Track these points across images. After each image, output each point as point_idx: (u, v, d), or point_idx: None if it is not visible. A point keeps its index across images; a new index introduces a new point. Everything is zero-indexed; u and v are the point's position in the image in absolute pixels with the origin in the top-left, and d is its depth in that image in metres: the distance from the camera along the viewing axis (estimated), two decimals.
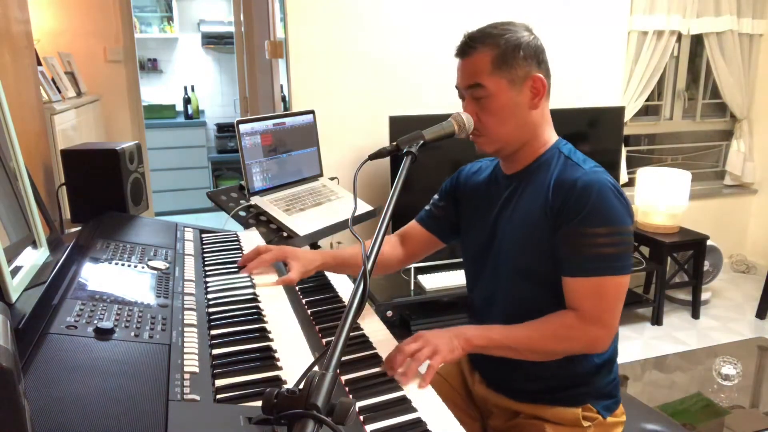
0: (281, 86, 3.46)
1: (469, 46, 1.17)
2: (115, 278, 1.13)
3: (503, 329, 1.16)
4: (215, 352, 0.97)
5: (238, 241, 1.58)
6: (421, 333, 1.10)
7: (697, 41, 3.69)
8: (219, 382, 0.88)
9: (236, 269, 1.35)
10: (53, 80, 3.08)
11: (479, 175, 1.36)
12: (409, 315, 2.88)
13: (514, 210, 1.22)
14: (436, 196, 1.45)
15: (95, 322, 0.91)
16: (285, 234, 1.81)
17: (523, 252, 1.19)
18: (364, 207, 2.16)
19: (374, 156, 1.10)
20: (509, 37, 1.16)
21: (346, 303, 1.07)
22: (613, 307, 1.13)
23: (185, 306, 1.09)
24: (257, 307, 1.15)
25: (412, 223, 1.47)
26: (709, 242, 3.32)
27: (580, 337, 1.13)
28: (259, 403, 0.67)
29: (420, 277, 2.87)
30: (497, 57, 1.15)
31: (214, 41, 5.70)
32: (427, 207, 1.46)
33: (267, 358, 0.97)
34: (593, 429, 1.22)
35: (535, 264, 1.18)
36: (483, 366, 1.34)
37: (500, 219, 1.24)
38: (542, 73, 1.18)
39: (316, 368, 0.68)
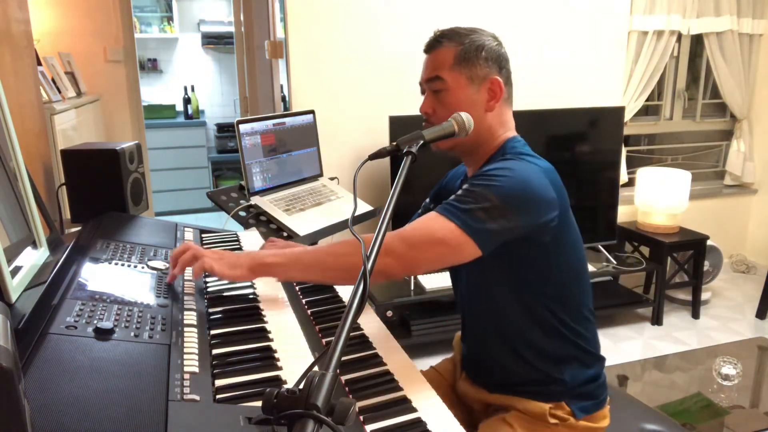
0: (281, 86, 3.46)
1: (436, 41, 1.22)
2: (115, 278, 1.13)
3: (301, 249, 1.22)
4: (215, 352, 0.97)
5: (238, 241, 1.58)
6: (188, 244, 1.21)
7: (697, 41, 3.69)
8: (219, 382, 0.88)
9: None
10: (53, 80, 3.08)
11: (458, 178, 1.40)
12: (409, 315, 2.88)
13: None
14: (427, 199, 1.48)
15: (95, 322, 0.91)
16: (285, 234, 1.81)
17: (489, 261, 1.16)
18: (364, 207, 2.16)
19: (374, 156, 1.10)
20: (474, 38, 1.21)
21: (346, 303, 1.07)
22: (419, 242, 1.10)
23: (185, 306, 1.09)
24: (257, 307, 1.15)
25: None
26: (709, 242, 3.32)
27: (349, 256, 1.11)
28: (259, 403, 0.67)
29: (420, 277, 2.87)
30: (460, 53, 1.19)
31: (214, 41, 5.70)
32: (420, 211, 1.48)
33: (267, 358, 0.97)
34: (562, 428, 1.21)
35: (488, 262, 1.14)
36: (470, 363, 1.37)
37: None
38: (502, 78, 1.21)
39: (316, 368, 0.68)
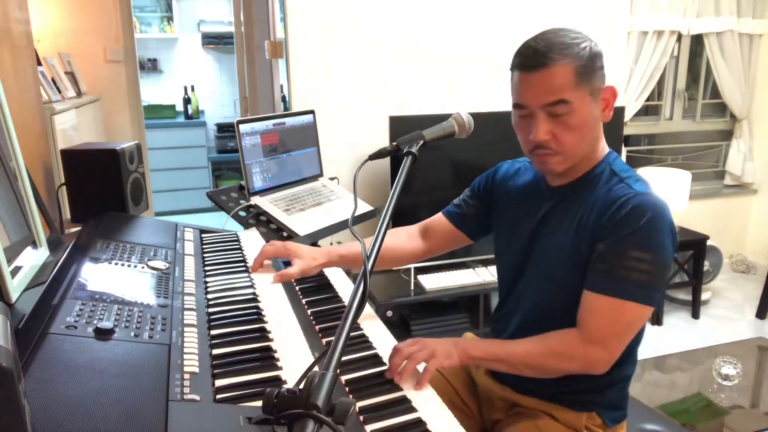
0: (281, 86, 3.46)
1: (546, 57, 1.04)
2: (115, 278, 1.12)
3: (502, 344, 1.15)
4: (215, 352, 0.97)
5: (238, 241, 1.58)
6: (419, 339, 1.09)
7: (697, 41, 3.69)
8: (219, 382, 0.88)
9: (236, 269, 1.35)
10: (53, 80, 3.08)
11: (518, 179, 1.31)
12: (409, 315, 2.88)
13: (555, 227, 1.17)
14: (467, 192, 1.41)
15: (95, 322, 0.91)
16: (285, 234, 1.81)
17: (557, 269, 1.16)
18: (364, 207, 2.16)
19: (374, 156, 1.10)
20: (584, 45, 1.07)
21: (346, 303, 1.07)
22: (621, 334, 1.09)
23: (185, 306, 1.09)
24: (257, 307, 1.15)
25: (439, 217, 1.42)
26: (709, 242, 3.32)
27: (578, 357, 1.09)
28: (259, 403, 0.67)
29: (420, 277, 2.87)
30: (580, 68, 1.05)
31: (214, 41, 5.70)
32: (456, 201, 1.41)
33: (267, 358, 0.97)
34: None
35: (567, 278, 1.14)
36: None
37: (538, 233, 1.20)
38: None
39: (316, 368, 0.68)
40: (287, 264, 1.35)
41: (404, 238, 1.42)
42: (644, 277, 1.04)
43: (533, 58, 1.06)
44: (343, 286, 1.40)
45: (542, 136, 1.08)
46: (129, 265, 1.21)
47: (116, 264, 1.20)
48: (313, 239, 1.88)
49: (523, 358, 1.11)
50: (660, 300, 1.08)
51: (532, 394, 1.24)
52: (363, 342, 1.13)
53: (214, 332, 1.04)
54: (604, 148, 1.18)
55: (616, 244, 1.06)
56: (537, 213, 1.20)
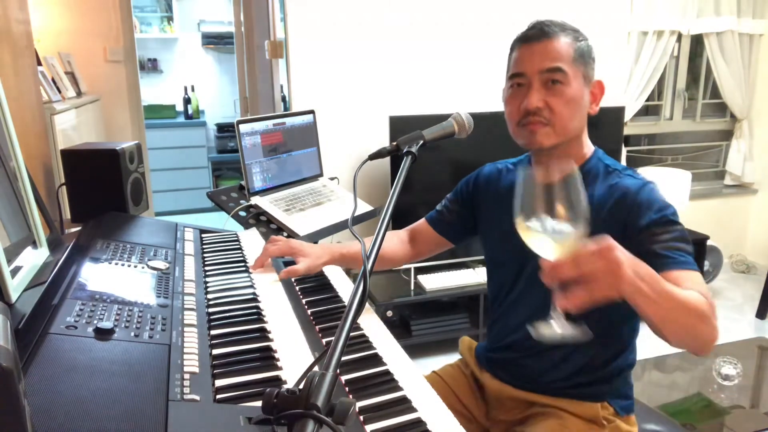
0: (281, 86, 3.46)
1: (550, 30, 1.13)
2: (115, 278, 1.12)
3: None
4: (215, 352, 0.97)
5: (238, 241, 1.58)
6: (603, 245, 0.79)
7: (697, 41, 3.69)
8: (219, 382, 0.88)
9: (236, 269, 1.35)
10: (53, 80, 3.08)
11: (502, 180, 1.31)
12: (409, 315, 2.88)
13: None
14: (449, 196, 1.42)
15: (95, 322, 0.91)
16: (285, 234, 1.81)
17: None
18: (364, 207, 2.16)
19: (374, 156, 1.10)
20: (582, 36, 1.17)
21: (346, 303, 1.07)
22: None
23: (185, 306, 1.09)
24: (257, 307, 1.15)
25: (422, 223, 1.45)
26: (709, 242, 3.32)
27: (711, 318, 0.94)
28: (259, 403, 0.67)
29: (420, 277, 2.87)
30: (578, 49, 1.14)
31: (214, 41, 5.70)
32: (438, 207, 1.44)
33: (267, 358, 0.97)
34: (615, 429, 1.21)
35: None
36: (504, 364, 1.32)
37: None
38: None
39: (316, 368, 0.68)
40: (287, 264, 1.36)
41: (396, 243, 1.44)
42: (689, 250, 1.04)
43: (538, 30, 1.14)
44: (343, 286, 1.40)
45: (536, 102, 1.11)
46: (129, 265, 1.21)
47: (116, 264, 1.20)
48: (313, 239, 1.88)
49: (687, 298, 0.92)
50: None
51: (543, 392, 1.24)
52: (363, 342, 1.13)
53: (214, 332, 1.04)
54: (590, 145, 1.22)
55: (649, 227, 1.05)
56: None
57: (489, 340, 1.38)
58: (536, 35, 1.13)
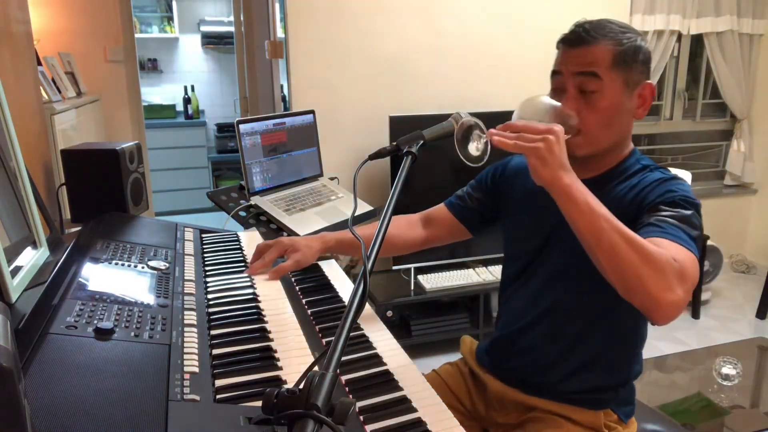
0: (281, 86, 3.46)
1: (589, 35, 1.10)
2: (115, 278, 1.12)
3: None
4: (215, 352, 0.97)
5: (238, 241, 1.58)
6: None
7: (697, 41, 3.69)
8: (219, 382, 0.88)
9: (236, 269, 1.35)
10: (53, 80, 3.08)
11: (531, 180, 1.29)
12: (409, 315, 2.88)
13: None
14: (472, 183, 1.39)
15: (95, 322, 0.91)
16: (285, 234, 1.81)
17: (583, 264, 1.01)
18: (364, 207, 2.16)
19: (374, 156, 1.10)
20: (630, 37, 1.11)
21: (346, 303, 1.06)
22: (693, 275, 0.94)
23: (185, 306, 1.09)
24: (257, 307, 1.15)
25: (440, 207, 1.42)
26: (709, 242, 3.32)
27: (669, 274, 0.89)
28: (259, 403, 0.67)
29: (420, 277, 2.87)
30: (619, 54, 1.09)
31: (214, 41, 5.70)
32: (459, 193, 1.41)
33: (267, 358, 0.97)
34: None
35: (590, 272, 1.00)
36: (499, 362, 1.31)
37: (560, 229, 1.07)
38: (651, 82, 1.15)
39: (316, 368, 0.68)
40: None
41: (403, 226, 1.41)
42: (695, 233, 1.00)
43: (576, 35, 1.12)
44: (343, 286, 1.40)
45: (568, 106, 1.09)
46: (129, 265, 1.21)
47: (116, 264, 1.20)
48: None
49: (635, 236, 0.91)
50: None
51: (548, 396, 1.22)
52: (363, 342, 1.13)
53: (214, 332, 1.04)
54: (631, 145, 1.21)
55: (663, 205, 1.03)
56: (556, 208, 0.99)
57: (497, 329, 1.36)
58: (574, 40, 1.12)
